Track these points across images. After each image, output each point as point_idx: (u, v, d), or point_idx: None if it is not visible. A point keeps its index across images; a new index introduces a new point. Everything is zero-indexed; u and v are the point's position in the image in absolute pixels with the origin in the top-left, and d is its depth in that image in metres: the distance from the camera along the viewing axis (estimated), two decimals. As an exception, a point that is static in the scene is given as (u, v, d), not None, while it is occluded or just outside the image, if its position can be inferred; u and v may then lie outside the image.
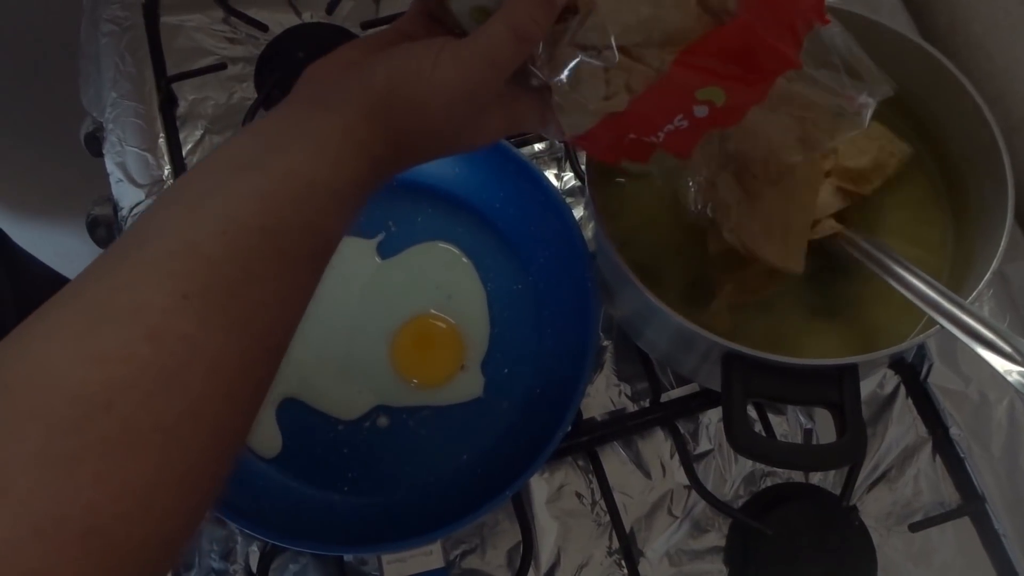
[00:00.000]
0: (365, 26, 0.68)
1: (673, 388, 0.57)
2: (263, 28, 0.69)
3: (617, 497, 0.54)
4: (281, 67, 0.67)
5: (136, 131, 0.65)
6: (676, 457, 0.55)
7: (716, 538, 0.53)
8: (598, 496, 0.54)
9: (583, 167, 0.62)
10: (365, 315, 0.57)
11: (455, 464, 0.54)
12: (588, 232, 0.57)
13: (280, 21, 0.69)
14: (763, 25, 0.34)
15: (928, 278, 0.43)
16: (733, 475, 0.55)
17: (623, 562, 0.52)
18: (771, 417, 0.56)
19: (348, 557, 0.52)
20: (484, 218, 0.60)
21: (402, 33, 0.38)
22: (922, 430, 0.56)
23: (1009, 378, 0.39)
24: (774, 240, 0.45)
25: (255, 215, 0.30)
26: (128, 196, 0.62)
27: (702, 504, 0.53)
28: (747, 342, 0.42)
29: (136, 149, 0.64)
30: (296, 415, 0.55)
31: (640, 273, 0.44)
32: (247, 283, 0.29)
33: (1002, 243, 0.43)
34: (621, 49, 0.34)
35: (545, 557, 0.52)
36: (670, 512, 0.54)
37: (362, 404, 0.55)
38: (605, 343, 0.58)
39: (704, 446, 0.55)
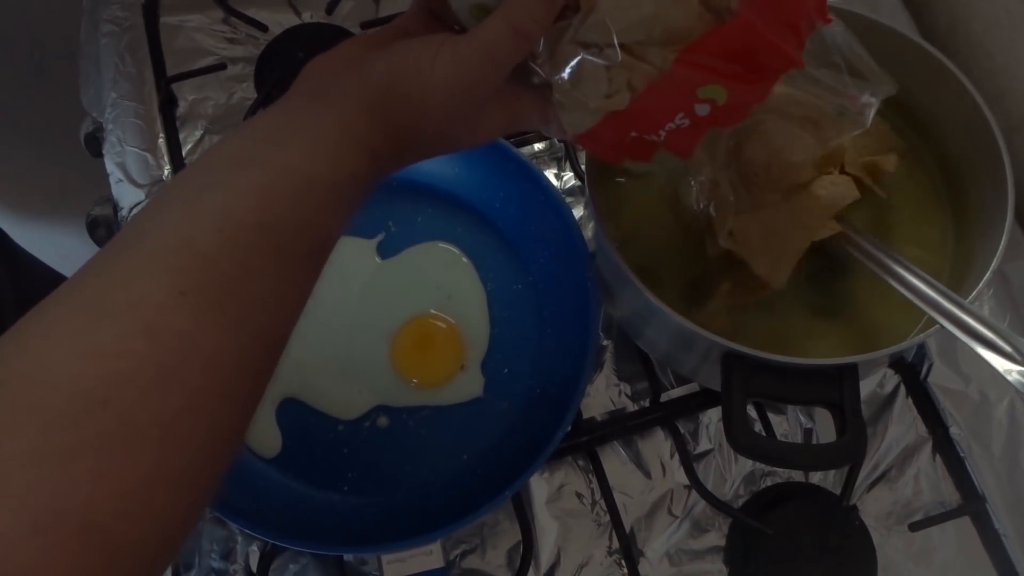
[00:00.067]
0: (365, 26, 0.68)
1: (673, 388, 0.57)
2: (263, 28, 0.69)
3: (617, 497, 0.54)
4: (281, 67, 0.67)
5: (136, 131, 0.65)
6: (676, 457, 0.55)
7: (716, 538, 0.53)
8: (598, 496, 0.54)
9: (583, 167, 0.62)
10: (365, 315, 0.57)
11: (455, 464, 0.54)
12: (588, 232, 0.57)
13: (280, 21, 0.69)
14: (765, 23, 0.33)
15: (928, 277, 0.43)
16: (733, 475, 0.55)
17: (623, 562, 0.52)
18: (771, 417, 0.56)
19: (348, 557, 0.52)
20: (484, 218, 0.60)
21: (403, 30, 0.38)
22: (922, 430, 0.56)
23: (1009, 377, 0.39)
24: (768, 253, 0.45)
25: (252, 211, 0.30)
26: (128, 196, 0.62)
27: (702, 504, 0.53)
28: (747, 342, 0.42)
29: (136, 149, 0.64)
30: (296, 415, 0.55)
31: (640, 273, 0.44)
32: (244, 280, 0.29)
33: (1002, 242, 0.43)
34: (623, 47, 0.34)
35: (545, 557, 0.52)
36: (670, 512, 0.54)
37: (362, 404, 0.55)
38: (605, 343, 0.58)
39: (704, 446, 0.55)
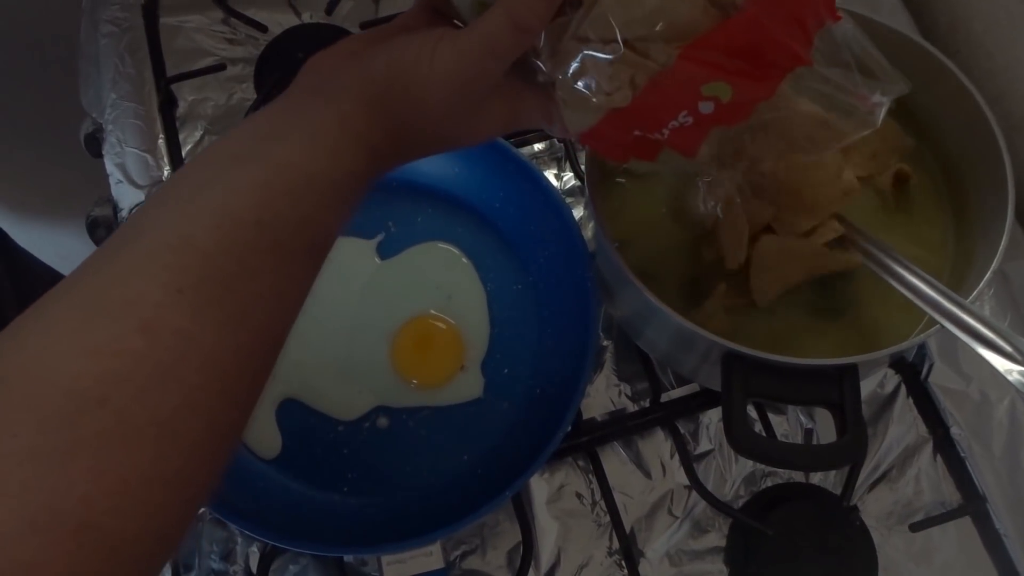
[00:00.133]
0: (364, 26, 0.68)
1: (673, 388, 0.57)
2: (262, 29, 0.69)
3: (617, 497, 0.54)
4: (281, 68, 0.67)
5: (136, 132, 0.65)
6: (676, 457, 0.55)
7: (716, 538, 0.53)
8: (598, 496, 0.54)
9: (583, 167, 0.62)
10: (365, 316, 0.57)
11: (455, 464, 0.54)
12: (588, 232, 0.57)
13: (279, 22, 0.69)
14: (771, 20, 0.33)
15: (928, 277, 0.43)
16: (733, 475, 0.54)
17: (623, 562, 0.52)
18: (771, 417, 0.56)
19: (348, 558, 0.52)
20: (484, 218, 0.60)
21: (405, 27, 0.38)
22: (923, 430, 0.56)
23: (1010, 377, 0.39)
24: (761, 275, 0.46)
25: (250, 208, 0.30)
26: (128, 197, 0.62)
27: (702, 504, 0.53)
28: (747, 342, 0.42)
29: (136, 150, 0.64)
30: (296, 416, 0.55)
31: (640, 273, 0.44)
32: (242, 277, 0.29)
33: (1002, 242, 0.43)
34: (626, 43, 0.33)
35: (545, 557, 0.52)
36: (670, 512, 0.54)
37: (362, 405, 0.55)
38: (605, 343, 0.58)
39: (704, 446, 0.55)
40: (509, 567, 0.52)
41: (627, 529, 0.53)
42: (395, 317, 0.57)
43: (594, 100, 0.35)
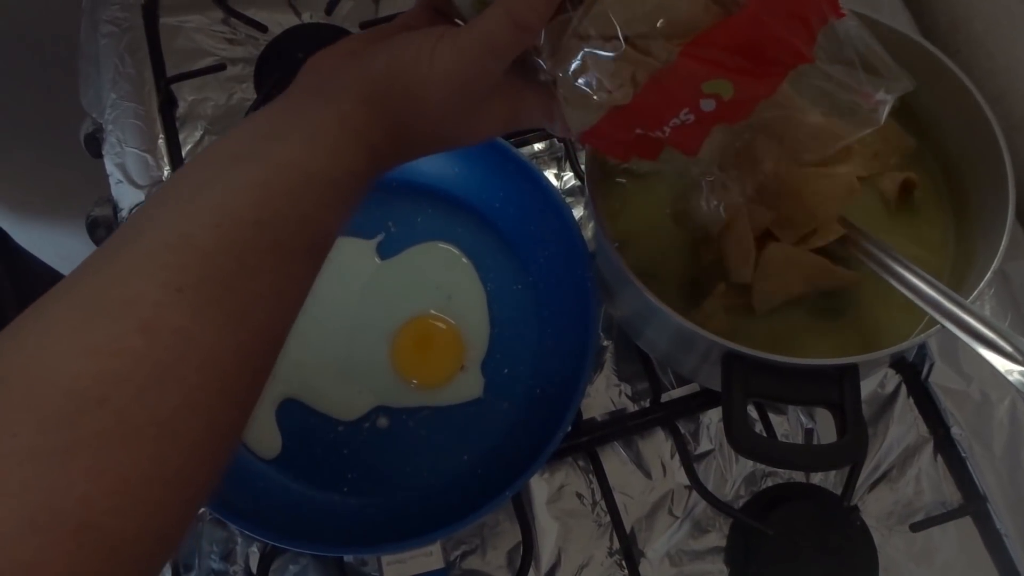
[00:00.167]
0: (364, 26, 0.68)
1: (673, 388, 0.56)
2: (262, 29, 0.69)
3: (617, 497, 0.53)
4: (281, 68, 0.67)
5: (135, 132, 0.65)
6: (676, 457, 0.55)
7: (717, 538, 0.53)
8: (598, 496, 0.54)
9: (583, 167, 0.62)
10: (365, 316, 0.57)
11: (455, 464, 0.54)
12: (588, 232, 0.57)
13: (279, 22, 0.69)
14: (773, 17, 0.33)
15: (929, 277, 0.42)
16: (734, 475, 0.54)
17: (624, 562, 0.52)
18: (772, 417, 0.56)
19: (348, 558, 0.52)
20: (484, 218, 0.60)
21: (406, 27, 0.38)
22: (923, 429, 0.56)
23: (1010, 378, 0.39)
24: (762, 282, 0.46)
25: (250, 207, 0.30)
26: (128, 197, 0.62)
27: (703, 504, 0.53)
28: (747, 342, 0.42)
29: (136, 150, 0.64)
30: (296, 416, 0.55)
31: (640, 273, 0.44)
32: (242, 276, 0.29)
33: (1003, 242, 0.43)
34: (626, 40, 0.33)
35: (545, 558, 0.52)
36: (671, 512, 0.54)
37: (362, 405, 0.55)
38: (605, 343, 0.58)
39: (704, 446, 0.55)
40: (509, 567, 0.52)
41: (627, 529, 0.53)
42: (395, 317, 0.57)
43: (595, 98, 0.35)
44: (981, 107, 0.46)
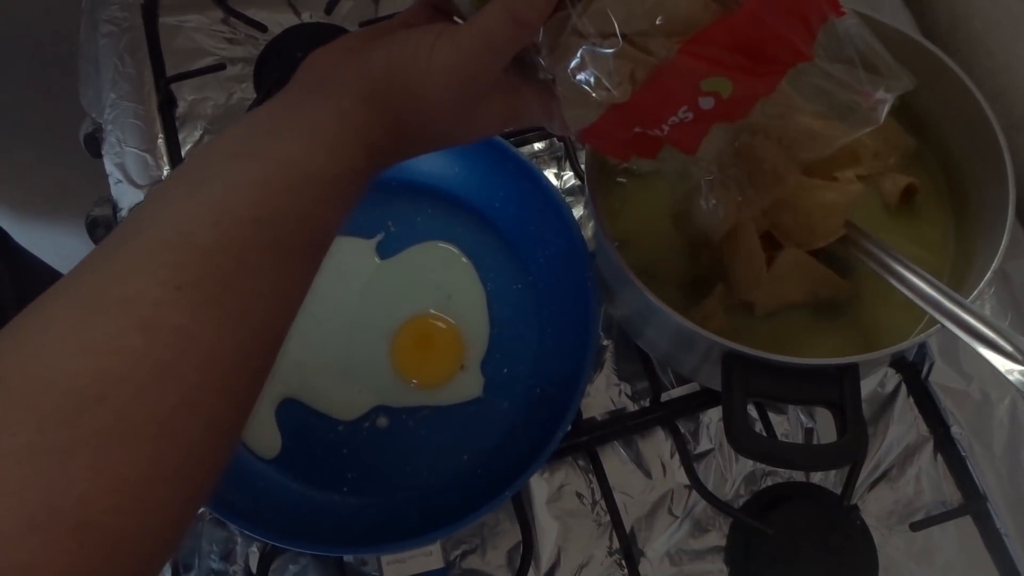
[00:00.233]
0: (363, 26, 0.68)
1: (673, 387, 0.56)
2: (262, 28, 0.69)
3: (617, 497, 0.53)
4: (280, 67, 0.67)
5: (135, 132, 0.65)
6: (676, 457, 0.55)
7: (717, 538, 0.53)
8: (598, 496, 0.54)
9: (583, 166, 0.62)
10: (365, 315, 0.57)
11: (455, 464, 0.54)
12: (588, 231, 0.57)
13: (279, 21, 0.69)
14: (772, 15, 0.33)
15: (929, 277, 0.42)
16: (734, 474, 0.54)
17: (623, 562, 0.52)
18: (772, 416, 0.56)
19: (348, 558, 0.52)
20: (484, 218, 0.60)
21: (405, 24, 0.38)
22: (923, 429, 0.55)
23: (1011, 377, 0.39)
24: (760, 288, 0.46)
25: (249, 205, 0.30)
26: (127, 197, 0.62)
27: (703, 504, 0.53)
28: (747, 342, 0.42)
29: (135, 150, 0.64)
30: (296, 416, 0.55)
31: (640, 272, 0.44)
32: (241, 274, 0.29)
33: (1003, 241, 0.43)
34: (625, 38, 0.33)
35: (545, 557, 0.52)
36: (671, 512, 0.54)
37: (362, 404, 0.55)
38: (605, 342, 0.58)
39: (704, 445, 0.55)
40: (509, 567, 0.52)
41: (627, 529, 0.53)
42: (395, 317, 0.57)
43: (594, 95, 0.35)
44: (981, 106, 0.46)
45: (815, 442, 0.55)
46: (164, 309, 0.27)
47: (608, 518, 0.53)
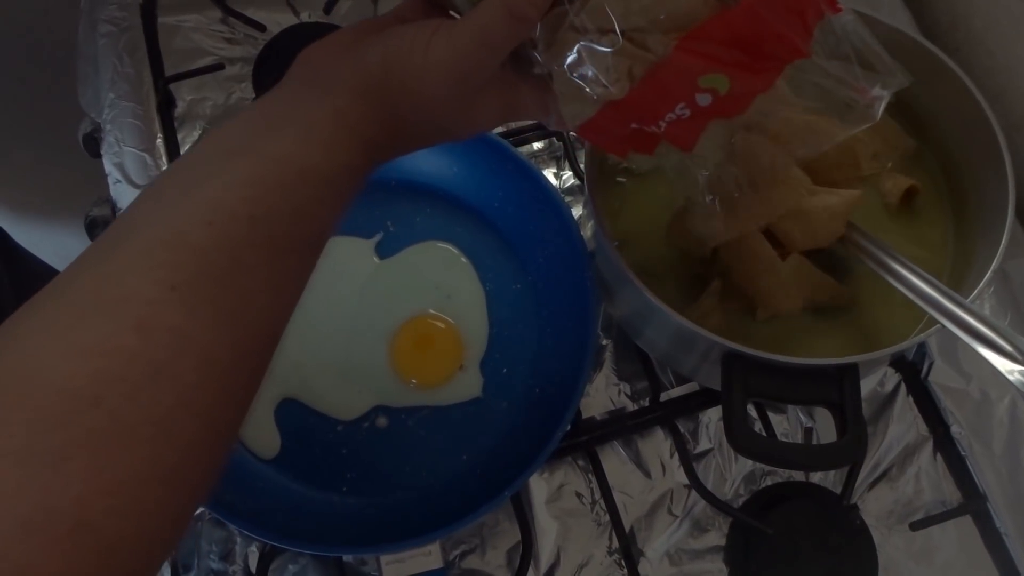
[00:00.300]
0: (363, 25, 0.68)
1: (673, 387, 0.56)
2: (261, 28, 0.69)
3: (617, 497, 0.53)
4: (279, 67, 0.66)
5: (134, 132, 0.65)
6: (676, 456, 0.54)
7: (716, 537, 0.53)
8: (598, 496, 0.54)
9: (582, 166, 0.62)
10: (364, 315, 0.57)
11: (454, 464, 0.54)
12: (587, 231, 0.57)
13: (278, 21, 0.69)
14: (770, 11, 0.33)
15: (929, 277, 0.42)
16: (733, 474, 0.54)
17: (623, 562, 0.52)
18: (771, 416, 0.56)
19: (347, 557, 0.52)
20: (483, 217, 0.60)
21: (401, 19, 0.37)
22: (923, 428, 0.55)
23: (1011, 377, 0.39)
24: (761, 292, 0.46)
25: (244, 203, 0.30)
26: (126, 197, 0.62)
27: (702, 503, 0.53)
28: (747, 342, 0.42)
29: (134, 150, 0.64)
30: (295, 416, 0.55)
31: (639, 272, 0.44)
32: (237, 272, 0.29)
33: (1003, 241, 0.43)
34: (623, 34, 0.33)
35: (545, 557, 0.52)
36: (670, 511, 0.54)
37: (361, 404, 0.55)
38: (604, 342, 0.58)
39: (704, 445, 0.55)
40: (509, 567, 0.52)
41: (627, 528, 0.53)
42: (394, 317, 0.57)
43: (591, 92, 0.35)
44: (981, 106, 0.46)
45: (815, 442, 0.55)
46: (159, 309, 0.27)
47: (607, 518, 0.53)
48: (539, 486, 0.54)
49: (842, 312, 0.48)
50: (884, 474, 0.54)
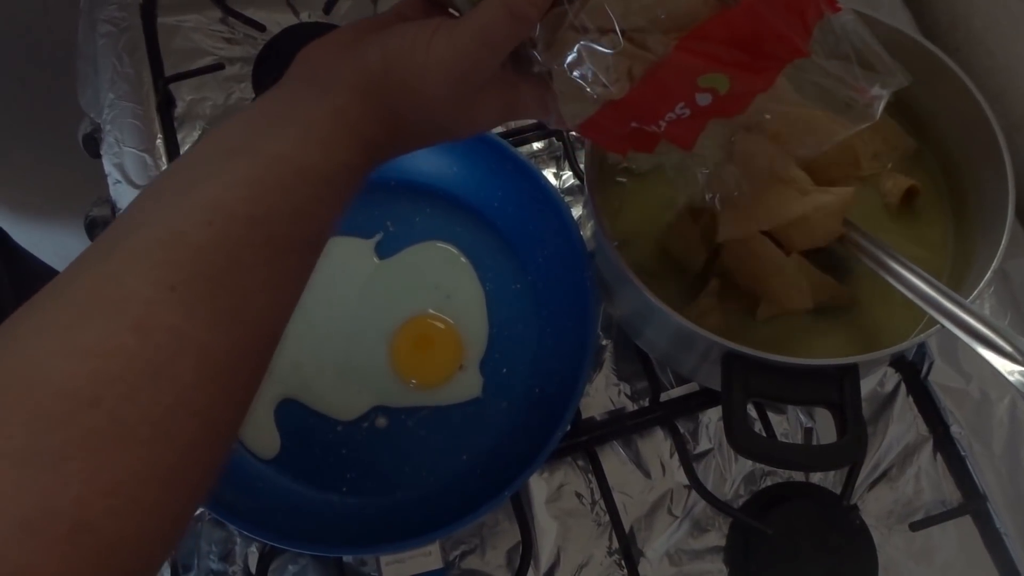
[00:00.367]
0: (363, 25, 0.68)
1: (673, 387, 0.56)
2: (261, 28, 0.69)
3: (617, 497, 0.53)
4: (279, 67, 0.66)
5: (134, 132, 0.65)
6: (676, 456, 0.54)
7: (716, 538, 0.53)
8: (598, 496, 0.54)
9: (582, 166, 0.62)
10: (363, 315, 0.57)
11: (454, 464, 0.54)
12: (587, 231, 0.57)
13: (278, 21, 0.69)
14: (770, 11, 0.33)
15: (929, 277, 0.42)
16: (733, 474, 0.54)
17: (623, 562, 0.52)
18: (771, 416, 0.56)
19: (347, 558, 0.52)
20: (483, 217, 0.60)
21: (400, 17, 0.37)
22: (923, 428, 0.55)
23: (1011, 378, 0.39)
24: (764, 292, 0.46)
25: (243, 203, 0.30)
26: (126, 197, 0.62)
27: (702, 504, 0.53)
28: (747, 342, 0.42)
29: (134, 150, 0.64)
30: (295, 416, 0.55)
31: (639, 272, 0.44)
32: (235, 272, 0.29)
33: (1003, 241, 0.43)
34: (623, 34, 0.33)
35: (545, 557, 0.52)
36: (670, 512, 0.53)
37: (361, 405, 0.55)
38: (604, 342, 0.58)
39: (704, 445, 0.55)
40: (508, 567, 0.52)
41: (627, 529, 0.53)
42: (394, 317, 0.57)
43: (590, 91, 0.35)
44: (981, 105, 0.46)
45: (815, 442, 0.55)
46: (157, 309, 0.27)
47: (607, 518, 0.53)
48: (539, 486, 0.54)
49: (842, 312, 0.48)
50: (884, 474, 0.54)
